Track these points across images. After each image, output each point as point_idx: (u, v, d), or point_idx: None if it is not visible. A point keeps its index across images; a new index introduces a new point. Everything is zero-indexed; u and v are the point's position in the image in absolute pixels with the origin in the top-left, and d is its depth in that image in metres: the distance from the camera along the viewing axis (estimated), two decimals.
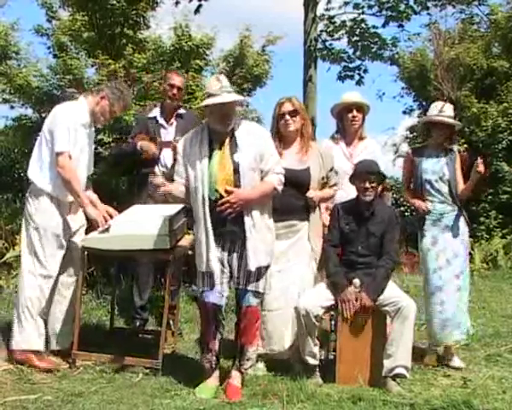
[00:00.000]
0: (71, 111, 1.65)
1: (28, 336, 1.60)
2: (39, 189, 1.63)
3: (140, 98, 2.72)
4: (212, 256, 1.46)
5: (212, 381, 1.51)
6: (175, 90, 1.96)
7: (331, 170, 1.74)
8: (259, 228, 1.48)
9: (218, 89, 1.46)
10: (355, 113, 1.83)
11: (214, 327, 1.49)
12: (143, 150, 1.93)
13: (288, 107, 1.69)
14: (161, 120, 1.99)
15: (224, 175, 1.45)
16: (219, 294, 1.48)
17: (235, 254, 1.48)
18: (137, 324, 2.04)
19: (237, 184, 1.46)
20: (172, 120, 1.98)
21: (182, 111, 2.03)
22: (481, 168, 1.76)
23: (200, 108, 1.52)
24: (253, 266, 1.46)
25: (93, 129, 1.75)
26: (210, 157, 1.47)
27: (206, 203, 1.46)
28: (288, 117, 1.68)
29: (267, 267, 1.50)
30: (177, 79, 1.99)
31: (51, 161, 1.62)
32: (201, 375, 1.53)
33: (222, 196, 1.45)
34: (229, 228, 1.46)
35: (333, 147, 1.85)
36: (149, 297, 2.11)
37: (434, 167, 1.83)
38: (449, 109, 1.86)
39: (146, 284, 2.06)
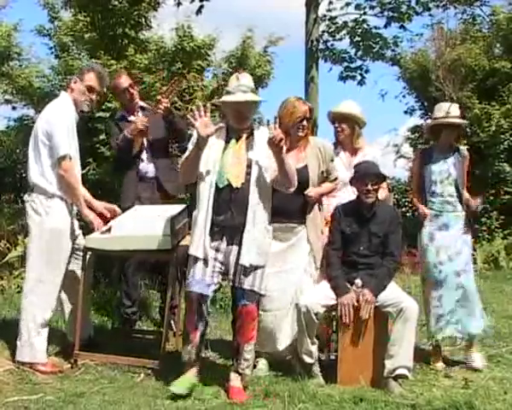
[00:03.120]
0: (63, 110, 1.64)
1: (33, 350, 1.59)
2: (51, 192, 1.61)
3: (142, 99, 2.74)
4: (208, 243, 1.46)
5: (188, 376, 1.46)
6: (131, 90, 1.99)
7: (332, 161, 1.74)
8: (259, 227, 1.49)
9: (235, 87, 1.49)
10: (336, 124, 1.86)
11: (196, 318, 1.46)
12: (135, 132, 1.91)
13: (306, 112, 1.70)
14: (129, 117, 2.00)
15: (238, 168, 1.47)
16: (206, 285, 1.46)
17: (232, 251, 1.48)
18: (126, 324, 2.02)
19: (247, 179, 1.48)
20: (138, 113, 2.02)
21: (142, 104, 2.05)
22: (477, 204, 1.81)
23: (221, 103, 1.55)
24: (245, 261, 1.46)
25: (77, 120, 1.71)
26: (225, 148, 1.49)
27: (213, 190, 1.47)
28: (305, 123, 1.69)
29: (262, 268, 1.49)
30: (123, 81, 1.98)
31: (51, 163, 1.61)
32: (201, 375, 1.53)
33: (230, 185, 1.47)
34: (233, 220, 1.45)
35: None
36: (139, 298, 2.11)
37: (442, 168, 1.84)
38: (455, 109, 1.86)
39: (135, 285, 2.05)
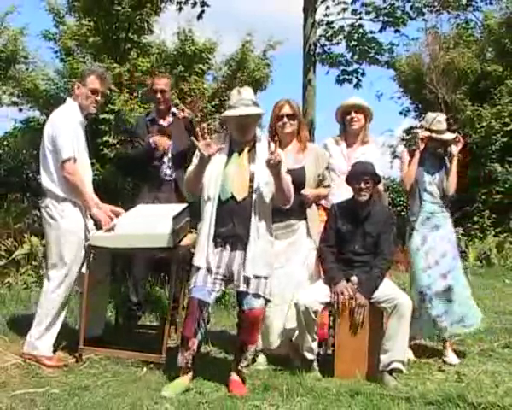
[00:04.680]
0: (67, 115, 1.69)
1: (41, 345, 1.63)
2: (62, 196, 1.66)
3: (145, 101, 2.76)
4: (211, 253, 1.49)
5: (183, 380, 1.49)
6: (159, 94, 2.05)
7: (326, 168, 1.81)
8: (262, 238, 1.51)
9: (236, 101, 1.52)
10: (353, 114, 1.90)
11: (196, 325, 1.48)
12: (157, 145, 2.01)
13: (287, 110, 1.74)
14: (160, 121, 2.06)
15: (241, 181, 1.51)
16: (208, 291, 1.48)
17: (235, 259, 1.51)
18: (132, 320, 2.08)
19: (250, 192, 1.52)
20: (169, 118, 2.08)
21: (174, 110, 2.10)
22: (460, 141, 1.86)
23: (222, 118, 1.63)
24: (249, 273, 1.48)
25: (85, 124, 1.76)
26: (227, 161, 1.54)
27: (215, 202, 1.51)
28: (285, 119, 1.74)
29: (266, 277, 1.51)
30: (159, 83, 2.05)
31: (59, 168, 1.65)
32: (202, 369, 1.56)
33: (233, 198, 1.51)
34: (235, 231, 1.49)
35: (333, 147, 1.92)
36: (145, 294, 2.17)
37: (430, 170, 1.91)
38: (439, 124, 1.91)
39: (141, 282, 2.11)
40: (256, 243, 1.49)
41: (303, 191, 1.72)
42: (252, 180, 1.52)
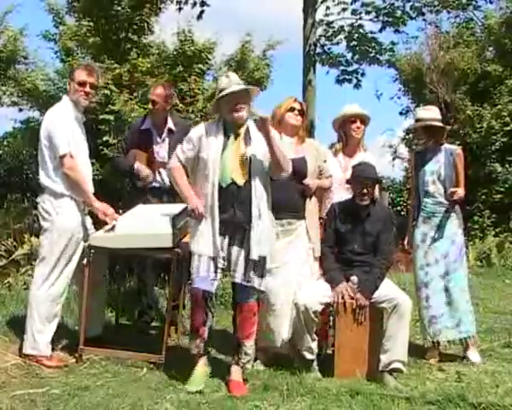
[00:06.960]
0: (60, 112, 1.69)
1: (37, 343, 1.63)
2: (60, 193, 1.66)
3: (145, 102, 2.78)
4: (218, 241, 1.50)
5: (201, 368, 1.52)
6: (150, 105, 1.96)
7: (325, 161, 1.83)
8: (264, 219, 1.52)
9: (227, 83, 1.54)
10: (359, 123, 1.89)
11: (204, 314, 1.51)
12: (139, 175, 1.96)
13: (298, 105, 1.80)
14: (154, 134, 1.97)
15: (240, 165, 1.51)
16: (211, 281, 1.50)
17: (235, 245, 1.52)
18: (144, 322, 2.09)
19: (249, 175, 1.53)
20: (164, 135, 1.98)
21: (171, 125, 1.97)
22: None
23: (213, 105, 1.60)
24: (255, 255, 1.49)
25: (83, 120, 1.76)
26: (224, 147, 1.54)
27: (216, 189, 1.51)
28: (297, 112, 1.78)
29: (265, 259, 1.52)
30: (155, 93, 1.95)
31: (56, 164, 1.65)
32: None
33: (234, 183, 1.51)
34: (236, 217, 1.50)
35: (330, 157, 1.90)
36: (155, 296, 2.18)
37: (433, 168, 1.89)
38: (418, 114, 1.91)
39: (152, 284, 2.13)
40: (258, 225, 1.50)
41: (305, 181, 1.74)
42: (250, 163, 1.53)
